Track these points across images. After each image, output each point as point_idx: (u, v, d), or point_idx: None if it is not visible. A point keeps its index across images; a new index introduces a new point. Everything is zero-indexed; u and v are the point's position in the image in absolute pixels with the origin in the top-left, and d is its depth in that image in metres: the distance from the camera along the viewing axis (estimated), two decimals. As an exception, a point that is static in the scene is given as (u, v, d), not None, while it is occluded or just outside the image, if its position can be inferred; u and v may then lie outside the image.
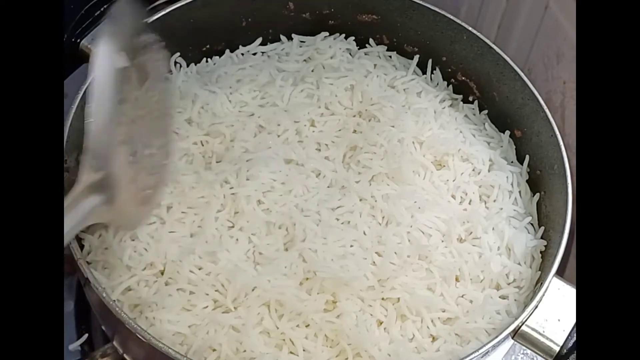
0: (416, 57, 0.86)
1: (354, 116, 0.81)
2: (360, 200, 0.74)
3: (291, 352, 0.66)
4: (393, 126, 0.79)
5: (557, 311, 0.68)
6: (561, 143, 0.75)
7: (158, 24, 0.79)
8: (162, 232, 0.71)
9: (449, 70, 0.86)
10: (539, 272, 0.72)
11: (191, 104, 0.79)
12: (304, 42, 0.87)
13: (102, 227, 0.71)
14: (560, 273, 0.69)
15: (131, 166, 0.61)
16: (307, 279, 0.69)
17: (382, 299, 0.69)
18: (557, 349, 0.67)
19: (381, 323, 0.69)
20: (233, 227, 0.72)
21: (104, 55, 0.57)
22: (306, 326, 0.68)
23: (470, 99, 0.85)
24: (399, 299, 0.69)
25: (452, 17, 0.82)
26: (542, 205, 0.78)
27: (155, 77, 0.66)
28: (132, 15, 0.61)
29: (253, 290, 0.68)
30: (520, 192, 0.79)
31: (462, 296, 0.70)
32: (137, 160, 0.61)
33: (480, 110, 0.84)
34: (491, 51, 0.81)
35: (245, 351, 0.66)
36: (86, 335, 0.80)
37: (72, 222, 0.56)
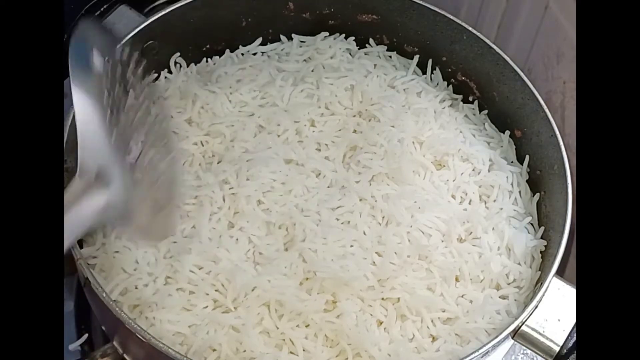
0: (416, 57, 0.86)
1: (354, 116, 0.81)
2: (360, 200, 0.74)
3: (291, 352, 0.66)
4: (393, 126, 0.79)
5: (557, 311, 0.68)
6: (561, 143, 0.75)
7: (158, 24, 0.79)
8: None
9: (449, 70, 0.86)
10: (539, 272, 0.72)
11: (191, 104, 0.79)
12: (304, 42, 0.87)
13: (100, 227, 0.71)
14: (560, 273, 0.69)
15: (133, 169, 0.60)
16: (307, 279, 0.69)
17: (382, 299, 0.69)
18: (557, 349, 0.67)
19: (381, 323, 0.69)
20: (233, 227, 0.72)
21: (80, 55, 0.56)
22: (306, 326, 0.68)
23: (470, 99, 0.85)
24: (399, 299, 0.69)
25: (452, 17, 0.82)
26: (542, 205, 0.77)
27: (142, 86, 0.65)
28: (102, 31, 0.61)
29: (253, 290, 0.68)
30: (520, 192, 0.79)
31: (462, 296, 0.70)
32: (137, 165, 0.60)
33: (480, 110, 0.84)
34: (491, 51, 0.81)
35: (245, 351, 0.66)
36: (86, 335, 0.80)
37: (74, 221, 0.54)
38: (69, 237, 0.53)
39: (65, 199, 0.54)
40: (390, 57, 0.87)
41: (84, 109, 0.55)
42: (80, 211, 0.54)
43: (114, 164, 0.56)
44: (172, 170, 0.67)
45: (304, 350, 0.66)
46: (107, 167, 0.56)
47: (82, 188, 0.55)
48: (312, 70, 0.83)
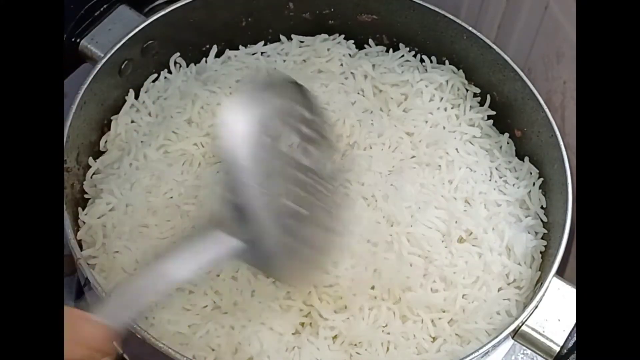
0: (416, 58, 0.86)
1: (354, 116, 0.81)
2: (360, 200, 0.74)
3: (291, 352, 0.66)
4: (394, 125, 0.79)
5: (557, 311, 0.68)
6: (561, 143, 0.75)
7: (158, 24, 0.79)
8: (162, 231, 0.71)
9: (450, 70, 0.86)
10: (539, 272, 0.72)
11: (191, 104, 0.79)
12: (303, 42, 0.87)
13: (100, 228, 0.71)
14: (560, 273, 0.69)
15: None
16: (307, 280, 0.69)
17: (384, 299, 0.69)
18: (557, 349, 0.68)
19: (383, 324, 0.68)
20: (233, 227, 0.72)
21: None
22: (307, 327, 0.68)
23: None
24: (400, 298, 0.69)
25: (452, 17, 0.82)
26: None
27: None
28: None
29: (253, 290, 0.68)
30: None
31: (462, 296, 0.70)
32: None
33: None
34: (491, 51, 0.81)
35: (245, 351, 0.66)
36: (86, 335, 0.80)
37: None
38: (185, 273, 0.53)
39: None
40: (390, 57, 0.87)
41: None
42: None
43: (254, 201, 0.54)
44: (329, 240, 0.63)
45: (304, 350, 0.66)
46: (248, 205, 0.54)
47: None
48: (311, 72, 0.83)
